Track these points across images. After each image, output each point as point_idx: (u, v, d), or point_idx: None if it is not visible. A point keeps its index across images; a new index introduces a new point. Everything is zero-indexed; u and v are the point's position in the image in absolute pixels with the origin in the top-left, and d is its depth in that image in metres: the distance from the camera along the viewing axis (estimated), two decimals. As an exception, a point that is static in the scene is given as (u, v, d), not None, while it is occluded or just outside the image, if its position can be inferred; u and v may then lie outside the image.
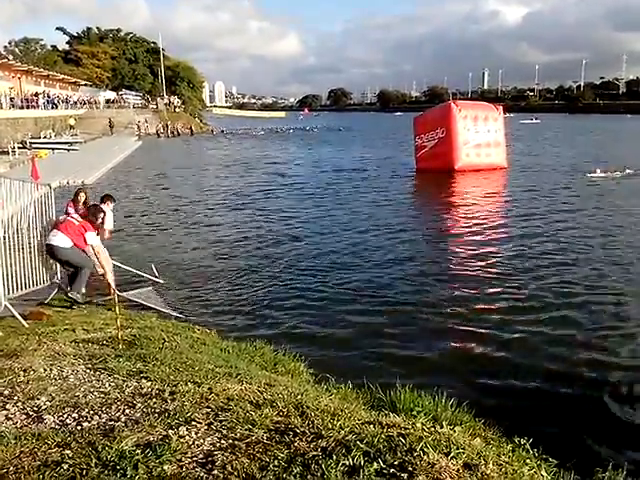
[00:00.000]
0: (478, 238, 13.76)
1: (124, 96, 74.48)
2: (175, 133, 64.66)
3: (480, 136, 26.32)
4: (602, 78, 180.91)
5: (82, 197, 9.11)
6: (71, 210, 8.63)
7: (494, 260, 11.62)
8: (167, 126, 65.38)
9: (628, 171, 24.52)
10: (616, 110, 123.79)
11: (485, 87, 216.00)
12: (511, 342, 7.41)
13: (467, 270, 10.92)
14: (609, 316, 8.32)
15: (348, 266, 11.41)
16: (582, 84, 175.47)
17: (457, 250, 12.76)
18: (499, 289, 9.65)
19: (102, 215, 8.08)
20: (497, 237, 13.84)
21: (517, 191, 21.31)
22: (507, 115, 34.01)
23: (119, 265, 9.41)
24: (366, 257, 12.12)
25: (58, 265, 8.13)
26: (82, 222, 7.70)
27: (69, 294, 7.65)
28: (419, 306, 8.90)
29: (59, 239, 7.56)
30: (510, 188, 22.42)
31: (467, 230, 14.83)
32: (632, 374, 6.47)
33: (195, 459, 2.75)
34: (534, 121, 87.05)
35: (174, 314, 8.08)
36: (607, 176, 23.85)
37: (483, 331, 7.82)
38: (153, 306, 8.25)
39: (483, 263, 11.37)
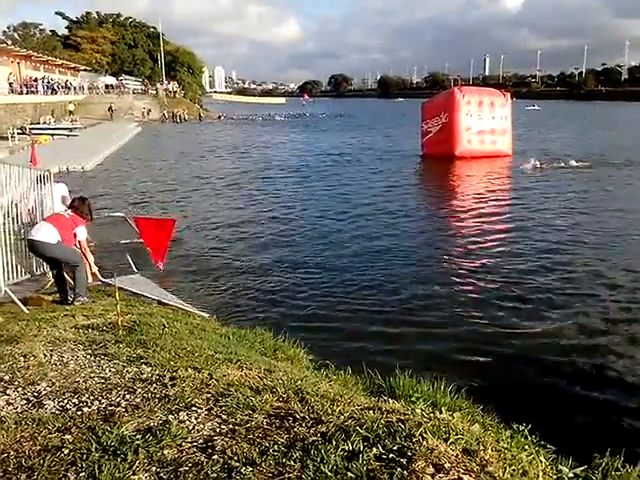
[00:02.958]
0: (472, 228, 13.78)
1: (124, 82, 74.08)
2: (179, 119, 64.19)
3: (484, 123, 26.04)
4: (604, 65, 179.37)
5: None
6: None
7: (492, 250, 11.63)
8: (173, 113, 65.01)
9: (572, 163, 24.07)
10: (618, 97, 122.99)
11: (486, 73, 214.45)
12: (510, 329, 7.43)
13: (467, 258, 10.94)
14: (609, 304, 8.33)
15: (348, 253, 11.42)
16: (584, 70, 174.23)
17: (456, 239, 12.76)
18: (498, 276, 9.66)
19: (89, 206, 7.41)
20: (496, 226, 13.85)
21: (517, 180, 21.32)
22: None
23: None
24: (365, 243, 12.12)
25: None
26: (73, 216, 7.09)
27: (75, 302, 6.82)
28: (418, 293, 8.92)
29: (44, 233, 6.74)
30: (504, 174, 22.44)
31: (460, 220, 14.85)
32: (631, 360, 6.50)
33: (195, 444, 2.77)
34: (534, 108, 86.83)
35: (166, 302, 7.68)
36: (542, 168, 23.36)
37: (481, 318, 7.84)
38: (144, 293, 7.88)
39: (480, 250, 11.40)
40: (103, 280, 7.67)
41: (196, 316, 7.06)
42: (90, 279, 7.35)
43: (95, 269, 7.43)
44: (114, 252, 10.73)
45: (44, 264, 7.63)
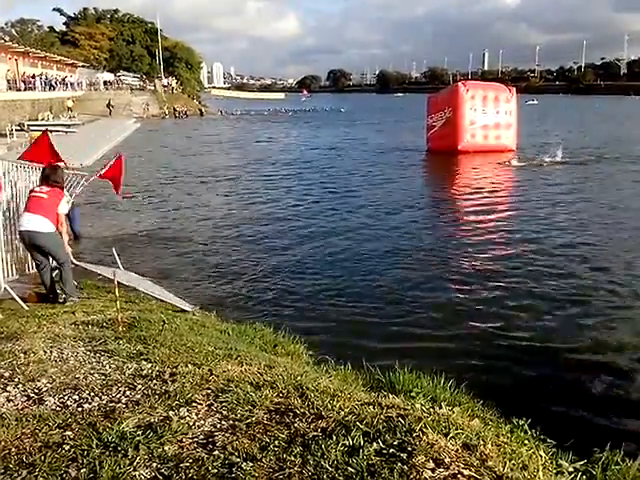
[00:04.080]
0: (474, 226, 13.78)
1: (122, 77, 73.88)
2: (180, 115, 64.09)
3: (488, 117, 26.03)
4: (603, 59, 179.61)
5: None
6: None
7: (492, 247, 11.63)
8: (174, 109, 64.98)
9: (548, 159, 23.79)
10: (617, 91, 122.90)
11: (485, 68, 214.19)
12: (510, 324, 7.44)
13: (466, 250, 10.94)
14: (609, 296, 8.34)
15: (347, 247, 11.41)
16: (583, 65, 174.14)
17: (457, 237, 12.76)
18: (498, 274, 9.66)
19: (62, 173, 7.00)
20: (497, 223, 13.85)
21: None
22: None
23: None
24: (366, 239, 12.11)
25: None
26: (49, 191, 6.60)
27: (67, 302, 6.63)
28: (418, 289, 8.92)
29: (37, 223, 6.46)
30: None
31: (460, 218, 14.85)
32: (631, 354, 6.50)
33: (196, 440, 2.77)
34: (533, 102, 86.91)
35: (162, 299, 7.32)
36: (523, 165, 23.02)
37: (481, 313, 7.84)
38: (140, 288, 7.70)
39: (481, 247, 11.40)
40: (76, 264, 7.35)
41: (195, 312, 7.05)
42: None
43: (68, 250, 6.97)
44: (97, 247, 10.66)
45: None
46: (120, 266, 8.29)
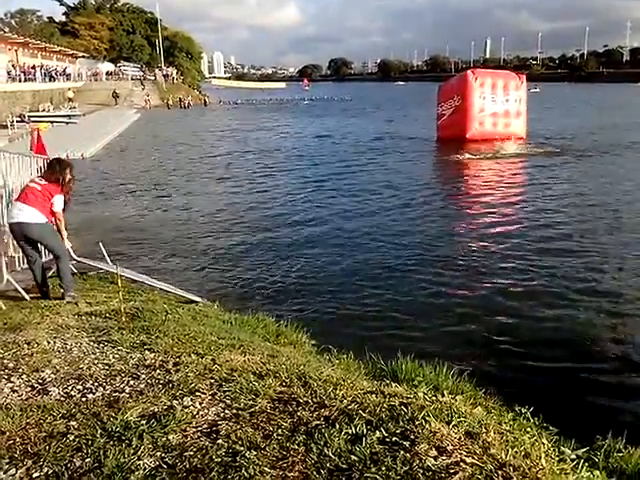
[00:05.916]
0: (476, 215, 13.76)
1: (122, 68, 73.66)
2: (184, 105, 63.99)
3: (498, 105, 25.88)
4: (605, 46, 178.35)
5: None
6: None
7: (495, 235, 11.62)
8: (180, 99, 64.98)
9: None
10: (619, 78, 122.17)
11: (487, 56, 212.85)
12: (512, 312, 7.45)
13: (469, 239, 10.93)
14: (610, 286, 8.33)
15: (349, 236, 11.40)
16: (585, 52, 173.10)
17: (460, 224, 12.75)
18: (500, 258, 9.65)
19: (69, 171, 6.55)
20: (499, 213, 13.83)
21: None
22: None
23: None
24: (369, 228, 12.10)
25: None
26: (45, 185, 6.30)
27: (66, 297, 6.27)
28: (420, 277, 8.91)
29: (28, 214, 6.12)
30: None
31: (463, 208, 14.84)
32: (634, 342, 6.51)
33: (200, 429, 2.78)
34: (535, 90, 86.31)
35: (165, 289, 7.39)
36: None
37: (483, 301, 7.85)
38: (144, 280, 7.61)
39: (482, 234, 11.39)
40: (76, 259, 7.21)
41: (198, 302, 7.06)
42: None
43: (69, 245, 6.78)
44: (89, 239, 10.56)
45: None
46: (108, 261, 7.80)
